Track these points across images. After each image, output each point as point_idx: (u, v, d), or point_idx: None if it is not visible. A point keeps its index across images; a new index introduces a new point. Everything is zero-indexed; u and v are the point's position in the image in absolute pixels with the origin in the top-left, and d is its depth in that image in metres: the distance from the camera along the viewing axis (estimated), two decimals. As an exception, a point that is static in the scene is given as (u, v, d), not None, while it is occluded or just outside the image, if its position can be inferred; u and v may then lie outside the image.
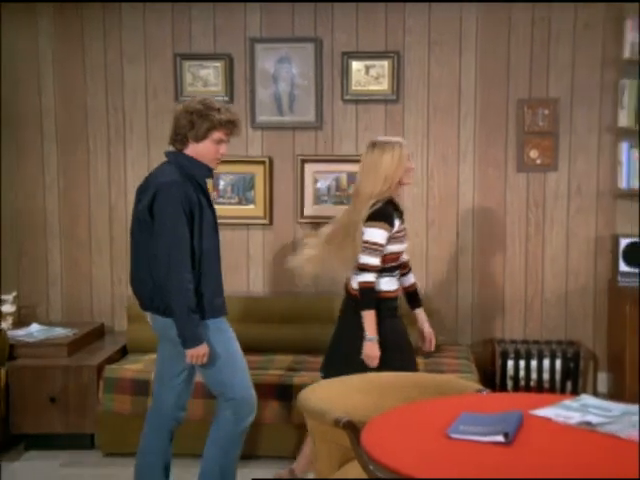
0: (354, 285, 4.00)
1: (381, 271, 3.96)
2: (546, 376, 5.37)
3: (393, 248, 3.98)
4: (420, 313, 4.33)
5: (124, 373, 4.85)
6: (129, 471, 4.03)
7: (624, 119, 5.41)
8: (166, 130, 3.90)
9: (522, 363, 5.37)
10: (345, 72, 5.59)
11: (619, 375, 5.37)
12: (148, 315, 3.82)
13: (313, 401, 3.11)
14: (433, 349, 4.36)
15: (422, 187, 5.67)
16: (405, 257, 4.19)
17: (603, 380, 5.67)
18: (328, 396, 3.23)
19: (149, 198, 3.61)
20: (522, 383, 5.38)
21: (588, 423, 2.81)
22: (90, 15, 5.69)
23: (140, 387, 4.75)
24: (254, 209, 5.74)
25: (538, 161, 5.61)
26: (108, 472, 4.66)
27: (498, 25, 5.56)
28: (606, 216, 5.63)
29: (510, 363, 5.38)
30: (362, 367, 3.87)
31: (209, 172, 3.77)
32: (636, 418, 2.86)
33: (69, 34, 5.72)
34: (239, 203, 5.73)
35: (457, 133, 5.64)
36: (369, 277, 3.90)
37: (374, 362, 3.92)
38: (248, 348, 5.25)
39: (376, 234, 3.89)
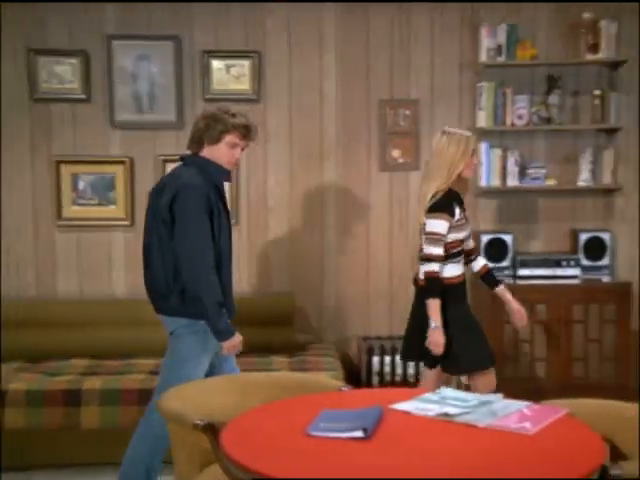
0: (420, 275, 4.14)
1: (445, 258, 4.09)
2: (411, 371, 5.46)
3: (455, 236, 4.12)
4: (502, 291, 4.45)
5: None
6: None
7: (482, 120, 5.57)
8: (22, 127, 3.75)
9: (388, 359, 5.45)
10: (205, 71, 5.53)
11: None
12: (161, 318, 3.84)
13: (173, 404, 3.04)
14: (525, 323, 4.45)
15: (286, 187, 5.68)
16: (471, 243, 4.38)
17: (466, 371, 5.81)
18: (190, 398, 3.17)
19: (168, 199, 3.64)
20: (388, 378, 5.46)
21: (446, 414, 2.87)
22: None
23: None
24: (115, 210, 5.60)
25: (400, 160, 5.71)
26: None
27: (357, 27, 5.63)
28: (468, 213, 5.74)
29: (376, 359, 5.46)
30: (479, 343, 4.15)
31: (227, 174, 3.82)
32: (492, 407, 2.95)
33: None
34: (99, 204, 5.59)
35: (320, 133, 5.68)
36: (433, 267, 4.05)
37: (439, 349, 4.07)
38: (109, 353, 5.20)
39: (437, 224, 4.03)
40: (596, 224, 5.79)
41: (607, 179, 5.65)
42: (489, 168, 5.58)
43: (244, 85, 5.56)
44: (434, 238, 4.04)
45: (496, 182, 5.60)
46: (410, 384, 5.40)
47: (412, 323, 4.36)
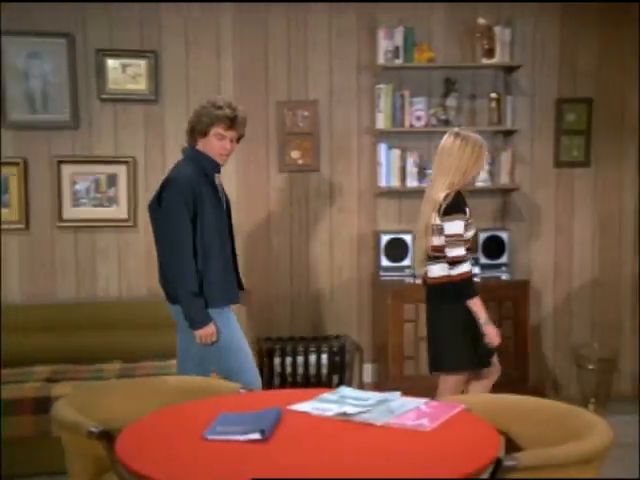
0: (431, 274, 4.20)
1: None
2: (313, 371, 5.47)
3: (467, 235, 4.15)
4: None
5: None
6: None
7: (381, 121, 5.62)
8: None
9: (289, 360, 5.44)
10: (100, 70, 5.42)
11: (383, 365, 5.58)
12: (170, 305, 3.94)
13: (67, 412, 2.95)
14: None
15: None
16: None
17: (368, 370, 5.87)
18: (85, 405, 3.08)
19: (157, 192, 3.84)
20: (289, 379, 5.45)
21: (344, 414, 2.86)
22: None
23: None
24: (8, 213, 5.43)
25: (300, 161, 5.71)
26: None
27: (255, 27, 5.61)
28: (367, 214, 5.82)
29: (277, 360, 5.44)
30: (470, 345, 4.14)
31: (216, 166, 3.92)
32: (391, 405, 2.96)
33: None
34: (-9, 207, 5.41)
35: (219, 134, 5.62)
36: (464, 267, 4.08)
37: (497, 340, 4.15)
38: (4, 361, 5.03)
39: (456, 226, 4.08)
40: (494, 223, 5.92)
41: (504, 179, 5.78)
42: (388, 169, 5.63)
43: (140, 85, 5.46)
44: (456, 240, 4.07)
45: (395, 183, 5.65)
46: (311, 384, 5.41)
47: (434, 325, 4.32)
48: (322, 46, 5.68)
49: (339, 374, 5.52)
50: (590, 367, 5.74)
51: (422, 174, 5.67)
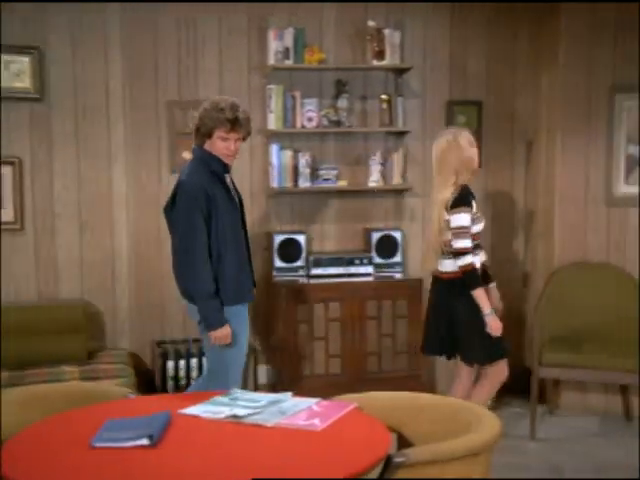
0: (444, 269, 4.37)
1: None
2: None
3: (475, 228, 4.30)
4: (491, 289, 4.59)
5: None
6: None
7: (273, 122, 5.60)
8: None
9: (182, 363, 5.38)
10: (-18, 67, 5.24)
11: (277, 365, 5.57)
12: (186, 303, 4.04)
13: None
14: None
15: (73, 191, 5.49)
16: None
17: (263, 372, 5.84)
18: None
19: (171, 195, 3.93)
20: (183, 382, 5.38)
21: (235, 416, 2.85)
22: None
23: None
24: None
25: (192, 162, 5.63)
26: None
27: (143, 26, 5.52)
28: (261, 215, 5.79)
29: (170, 364, 5.36)
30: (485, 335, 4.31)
31: (225, 166, 3.97)
32: (283, 406, 2.95)
33: None
34: None
35: (108, 135, 5.52)
36: (468, 259, 4.23)
37: (499, 331, 4.29)
38: None
39: (461, 218, 4.23)
40: (387, 223, 5.98)
41: (397, 180, 5.84)
42: (280, 169, 5.62)
43: (24, 83, 5.29)
44: (462, 232, 4.24)
45: (288, 183, 5.65)
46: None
47: (436, 317, 4.50)
48: (212, 46, 5.62)
49: (234, 376, 5.48)
50: (484, 362, 5.87)
51: (314, 175, 5.69)
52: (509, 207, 6.17)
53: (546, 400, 5.68)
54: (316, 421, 2.78)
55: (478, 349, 4.42)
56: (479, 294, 4.28)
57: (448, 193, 4.32)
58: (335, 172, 5.73)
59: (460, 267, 4.28)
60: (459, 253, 4.27)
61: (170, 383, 5.36)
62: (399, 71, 5.83)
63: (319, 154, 5.80)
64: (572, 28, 5.56)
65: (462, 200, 4.30)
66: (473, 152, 4.43)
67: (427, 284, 5.91)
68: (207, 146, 3.95)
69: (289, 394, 3.14)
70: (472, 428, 2.84)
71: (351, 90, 5.76)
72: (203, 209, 3.83)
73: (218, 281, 3.89)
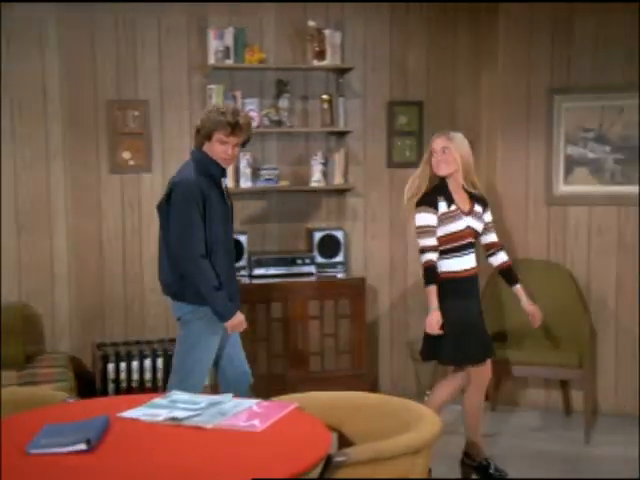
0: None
1: (444, 252, 4.32)
2: (148, 375, 5.36)
3: (445, 229, 4.31)
4: (518, 290, 4.56)
5: None
6: None
7: (214, 121, 5.56)
8: None
9: (123, 365, 5.31)
10: None
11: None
12: (168, 299, 4.08)
13: None
14: (539, 324, 4.58)
15: (9, 190, 5.39)
16: (489, 238, 4.55)
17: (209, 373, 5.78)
18: None
19: (166, 193, 3.94)
20: (124, 385, 5.32)
21: (174, 418, 2.82)
22: None
23: None
24: None
25: (131, 162, 5.59)
26: None
27: (81, 25, 5.45)
28: (202, 215, 5.74)
29: (111, 366, 5.30)
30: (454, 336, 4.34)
31: (220, 169, 3.98)
32: (223, 407, 2.94)
33: None
34: None
35: (45, 134, 5.44)
36: (427, 256, 4.30)
37: (434, 330, 4.32)
38: None
39: (422, 218, 4.31)
40: (329, 223, 5.99)
41: (338, 180, 5.86)
42: (223, 170, 5.59)
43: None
44: (422, 230, 4.31)
45: (230, 183, 5.60)
46: (147, 390, 5.29)
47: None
48: (151, 45, 5.57)
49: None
50: (425, 360, 5.92)
51: (256, 175, 5.67)
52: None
53: (488, 396, 5.74)
54: (256, 422, 2.77)
55: (448, 349, 4.41)
56: (429, 290, 4.35)
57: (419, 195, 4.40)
58: (277, 172, 5.72)
59: (421, 263, 4.36)
60: (421, 251, 4.34)
61: (111, 386, 5.29)
62: (340, 71, 5.84)
63: (260, 154, 5.78)
64: (511, 29, 5.64)
65: (423, 201, 4.35)
66: (435, 157, 4.43)
67: (372, 283, 5.98)
68: (206, 148, 3.96)
69: (230, 395, 3.12)
70: (412, 426, 2.86)
71: (292, 90, 5.76)
72: (200, 206, 3.86)
73: None
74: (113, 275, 5.62)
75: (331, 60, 5.69)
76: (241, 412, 2.89)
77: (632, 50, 5.35)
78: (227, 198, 4.06)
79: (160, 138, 5.63)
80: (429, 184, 4.40)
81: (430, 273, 4.33)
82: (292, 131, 5.76)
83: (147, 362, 5.36)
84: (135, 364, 5.33)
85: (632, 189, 5.44)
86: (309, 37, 5.68)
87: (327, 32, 5.67)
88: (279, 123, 5.68)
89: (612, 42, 5.41)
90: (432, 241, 4.31)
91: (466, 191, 4.43)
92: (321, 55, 5.67)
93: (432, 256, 4.31)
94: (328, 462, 2.54)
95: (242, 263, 5.59)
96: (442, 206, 4.34)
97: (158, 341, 5.57)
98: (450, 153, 4.34)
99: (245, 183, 5.63)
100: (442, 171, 4.37)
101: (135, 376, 5.33)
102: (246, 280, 5.52)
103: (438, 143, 4.37)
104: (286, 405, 2.99)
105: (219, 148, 3.93)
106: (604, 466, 4.70)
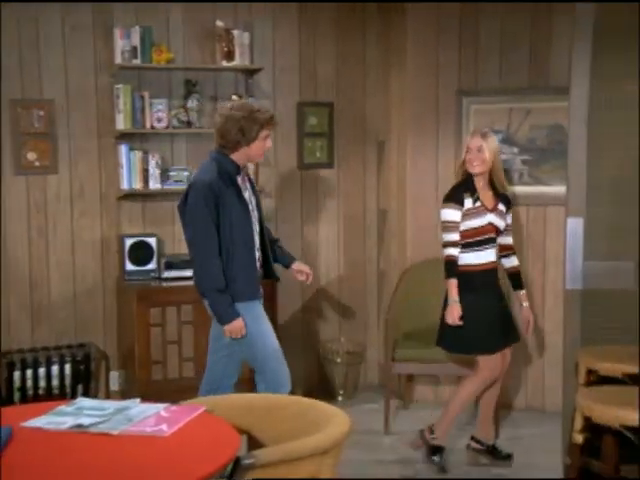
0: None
1: (465, 246, 4.50)
2: (56, 382, 5.24)
3: (471, 224, 4.48)
4: (521, 295, 4.79)
5: None
6: None
7: (121, 122, 5.48)
8: None
9: (30, 372, 5.18)
10: None
11: (130, 371, 5.46)
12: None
13: None
14: (529, 333, 4.91)
15: None
16: (506, 240, 4.73)
17: (115, 378, 5.71)
18: None
19: (184, 194, 4.05)
20: (31, 393, 5.18)
21: (79, 426, 2.76)
22: None
23: None
24: None
25: (37, 163, 5.46)
26: None
27: (-19, 25, 5.29)
28: (110, 217, 5.67)
29: (17, 374, 5.16)
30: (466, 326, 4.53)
31: (237, 167, 4.09)
32: (130, 413, 2.89)
33: None
34: None
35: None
36: (449, 251, 4.49)
37: (453, 321, 4.49)
38: None
39: (447, 213, 4.51)
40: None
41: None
42: (130, 171, 5.51)
43: None
44: (446, 225, 4.51)
45: (138, 185, 5.54)
46: (55, 397, 5.18)
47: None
48: (56, 44, 5.44)
49: (84, 384, 5.32)
50: (338, 360, 5.95)
51: (165, 176, 5.61)
52: (362, 207, 6.26)
53: (401, 395, 5.81)
54: (164, 427, 2.73)
55: (450, 337, 4.62)
56: (450, 283, 4.52)
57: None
58: (186, 173, 5.66)
59: (443, 258, 4.55)
60: (444, 245, 4.54)
61: (17, 394, 5.15)
62: (249, 72, 5.82)
63: (170, 155, 5.72)
64: (419, 30, 5.70)
65: (451, 196, 4.57)
66: (469, 155, 4.62)
67: (284, 284, 5.97)
68: (240, 153, 4.08)
69: (137, 400, 3.07)
70: (321, 426, 2.86)
71: (201, 91, 5.71)
72: (212, 207, 3.96)
73: (228, 278, 4.02)
74: (18, 279, 5.47)
75: (240, 61, 5.67)
76: (149, 417, 2.84)
77: (537, 53, 5.48)
78: (247, 193, 4.16)
79: (67, 138, 5.51)
80: (457, 179, 4.65)
81: (451, 267, 4.53)
82: (202, 132, 5.71)
83: (54, 369, 5.24)
84: (42, 371, 5.20)
85: (539, 189, 5.57)
86: (217, 37, 5.65)
87: (236, 32, 5.64)
88: (188, 124, 5.63)
89: (518, 45, 5.52)
90: (455, 236, 4.52)
91: (492, 189, 4.61)
92: (230, 56, 5.64)
93: (454, 251, 4.52)
94: (236, 464, 2.52)
95: (152, 266, 5.52)
96: (468, 202, 4.53)
97: (66, 347, 5.46)
98: (484, 152, 4.52)
99: (154, 185, 5.56)
100: (476, 169, 4.55)
101: (42, 383, 5.20)
102: (156, 283, 5.45)
103: (475, 142, 4.55)
104: (194, 409, 2.95)
105: (262, 144, 4.10)
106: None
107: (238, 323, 4.03)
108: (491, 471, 4.67)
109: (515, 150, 5.61)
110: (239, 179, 4.13)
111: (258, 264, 4.22)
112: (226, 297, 4.02)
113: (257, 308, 4.17)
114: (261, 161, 5.84)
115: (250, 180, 4.31)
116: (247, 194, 4.17)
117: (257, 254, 4.19)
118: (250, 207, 4.16)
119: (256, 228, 4.19)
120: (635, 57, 4.24)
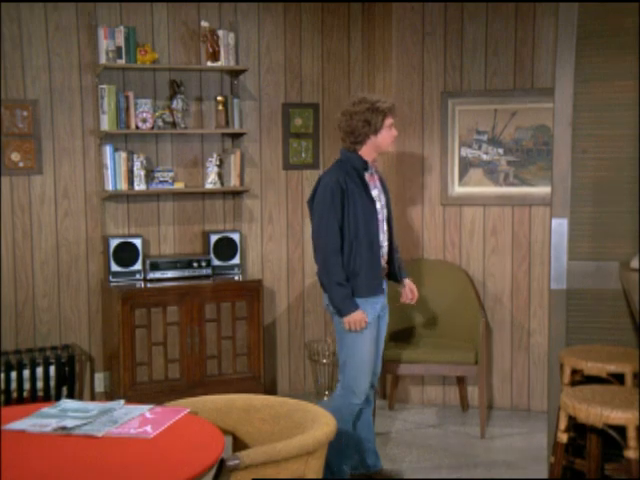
0: None
1: None
2: (40, 384, 5.21)
3: None
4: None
5: None
6: None
7: (106, 123, 5.44)
8: None
9: (14, 374, 5.15)
10: None
11: (115, 372, 5.43)
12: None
13: None
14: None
15: None
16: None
17: (100, 380, 5.69)
18: None
19: (313, 189, 4.22)
20: (15, 396, 5.15)
21: (64, 428, 2.75)
22: None
23: None
24: None
25: (21, 164, 5.42)
26: None
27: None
28: (95, 218, 5.64)
29: (1, 376, 5.13)
30: None
31: (365, 163, 4.19)
32: (114, 415, 2.88)
33: None
34: None
35: None
36: None
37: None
38: None
39: None
40: (225, 225, 5.95)
41: (234, 181, 5.81)
42: (115, 172, 5.48)
43: None
44: None
45: (123, 186, 5.51)
46: (39, 399, 5.15)
47: None
48: (39, 43, 5.40)
49: (69, 386, 5.30)
50: (324, 361, 5.95)
51: (150, 177, 5.59)
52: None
53: (386, 395, 5.81)
54: (148, 428, 2.72)
55: None
56: None
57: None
58: (171, 174, 5.65)
59: None
60: None
61: (1, 397, 5.12)
62: (234, 73, 5.81)
63: (155, 156, 5.70)
64: (404, 32, 5.71)
65: None
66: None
67: (269, 284, 5.97)
68: (368, 146, 4.17)
69: (121, 402, 3.06)
70: (307, 427, 2.86)
71: (186, 91, 5.69)
72: (338, 203, 4.07)
73: (350, 273, 4.10)
74: (2, 280, 5.44)
75: (225, 61, 5.65)
76: (133, 419, 2.84)
77: (522, 54, 5.50)
78: (376, 191, 4.23)
79: (51, 139, 5.48)
80: None
81: None
82: (187, 132, 5.70)
83: (39, 370, 5.21)
84: (26, 373, 5.17)
85: (525, 190, 5.59)
86: (202, 38, 5.63)
87: (221, 33, 5.63)
88: (173, 124, 5.61)
89: (503, 46, 5.54)
90: None
91: None
92: (215, 56, 5.63)
93: None
94: (221, 466, 2.51)
95: (137, 267, 5.50)
96: None
97: (51, 348, 5.43)
98: None
99: (139, 185, 5.53)
100: None
101: (26, 385, 5.17)
102: (141, 284, 5.43)
103: None
104: (179, 410, 2.95)
105: (389, 133, 4.18)
106: (498, 457, 4.83)
107: (358, 315, 4.10)
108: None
109: (500, 151, 5.63)
110: (367, 175, 4.22)
111: (382, 261, 4.26)
112: (344, 290, 4.09)
113: (376, 308, 4.22)
114: (255, 161, 5.91)
115: (381, 179, 4.37)
116: (376, 192, 4.24)
117: (382, 251, 4.25)
118: (378, 205, 4.22)
119: (382, 226, 4.25)
120: (618, 58, 4.28)
